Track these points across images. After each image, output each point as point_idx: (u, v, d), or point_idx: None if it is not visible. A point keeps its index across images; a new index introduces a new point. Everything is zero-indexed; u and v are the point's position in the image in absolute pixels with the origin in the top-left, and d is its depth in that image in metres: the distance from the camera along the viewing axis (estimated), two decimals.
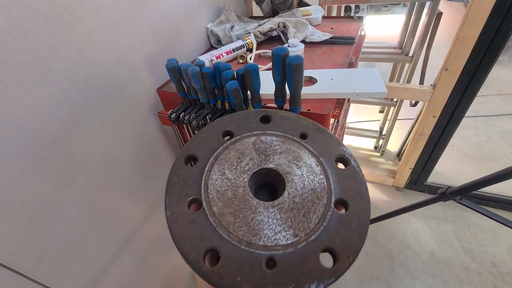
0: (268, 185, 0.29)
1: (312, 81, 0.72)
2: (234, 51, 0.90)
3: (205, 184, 0.26)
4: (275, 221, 0.24)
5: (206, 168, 0.27)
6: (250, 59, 0.89)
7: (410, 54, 1.38)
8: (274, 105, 0.64)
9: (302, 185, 0.25)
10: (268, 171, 0.27)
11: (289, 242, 0.22)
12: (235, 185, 0.26)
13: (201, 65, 0.64)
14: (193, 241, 0.23)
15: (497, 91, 2.16)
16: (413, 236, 1.33)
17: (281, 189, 0.26)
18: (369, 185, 1.62)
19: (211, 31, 0.99)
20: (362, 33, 1.19)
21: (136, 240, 0.86)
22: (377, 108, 2.12)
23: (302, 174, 0.26)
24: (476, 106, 1.97)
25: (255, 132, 0.29)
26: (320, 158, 0.27)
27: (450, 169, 1.59)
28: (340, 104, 0.67)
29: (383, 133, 1.74)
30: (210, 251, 0.22)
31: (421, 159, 1.40)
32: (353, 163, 0.27)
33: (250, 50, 0.92)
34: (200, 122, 0.68)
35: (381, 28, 3.56)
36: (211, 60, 0.85)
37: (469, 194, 1.36)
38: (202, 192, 0.25)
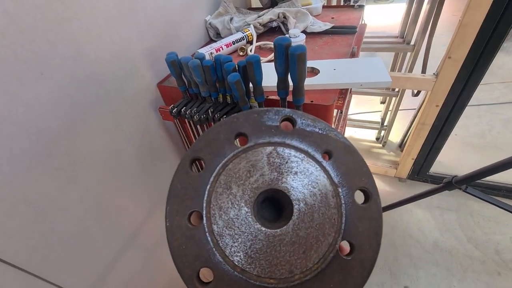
0: (276, 201, 0.26)
1: (314, 72, 0.71)
2: (234, 44, 0.88)
3: (208, 196, 0.24)
4: (273, 252, 0.22)
5: (212, 178, 0.24)
6: (251, 51, 0.87)
7: (412, 43, 1.36)
8: (277, 97, 0.64)
9: (311, 218, 0.23)
10: (278, 191, 0.25)
11: (283, 277, 0.22)
12: (239, 204, 0.24)
13: (202, 58, 0.63)
14: (189, 258, 0.23)
15: (500, 79, 2.14)
16: (416, 226, 1.33)
17: (288, 212, 0.24)
18: None
19: (209, 23, 0.97)
20: (363, 22, 1.18)
21: (142, 235, 0.86)
22: (379, 99, 2.10)
23: (314, 205, 0.24)
24: (479, 94, 1.95)
25: (272, 140, 0.25)
26: (338, 188, 0.24)
27: (453, 159, 1.58)
28: (343, 94, 0.66)
29: (385, 124, 1.73)
30: (204, 267, 0.23)
31: (423, 149, 1.39)
32: (375, 200, 0.25)
33: (250, 42, 0.91)
34: (202, 117, 0.67)
35: (381, 18, 3.51)
36: (211, 53, 0.84)
37: (472, 183, 1.36)
38: (204, 206, 0.24)
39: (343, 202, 0.24)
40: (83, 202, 0.64)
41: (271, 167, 0.25)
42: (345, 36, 0.90)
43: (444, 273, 1.14)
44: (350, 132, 1.92)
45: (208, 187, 0.24)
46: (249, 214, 0.24)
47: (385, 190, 1.54)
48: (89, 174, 0.64)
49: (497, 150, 1.60)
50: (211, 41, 1.00)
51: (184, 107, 0.71)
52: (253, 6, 1.28)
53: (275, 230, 0.23)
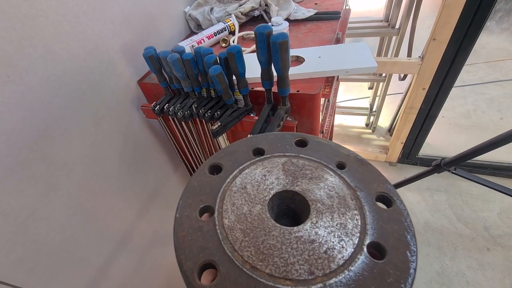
0: (292, 212, 0.26)
1: (299, 60, 0.69)
2: (215, 35, 0.85)
3: (222, 194, 0.24)
4: (289, 249, 0.20)
5: (228, 180, 0.25)
6: (233, 42, 0.84)
7: (397, 26, 1.35)
8: (261, 88, 0.62)
9: (331, 217, 0.22)
10: (293, 194, 0.24)
11: (301, 278, 0.19)
12: (253, 201, 0.24)
13: (181, 51, 0.61)
14: (193, 250, 0.21)
15: (484, 59, 2.16)
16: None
17: (304, 216, 0.23)
18: None
19: (189, 15, 0.93)
20: (347, 7, 1.15)
21: (133, 238, 0.84)
22: (366, 85, 2.10)
23: (332, 205, 0.23)
24: (463, 75, 1.97)
25: (287, 154, 0.28)
26: (357, 192, 0.24)
27: (441, 140, 1.60)
28: (329, 82, 0.65)
29: (374, 109, 1.73)
30: (208, 266, 0.20)
31: (412, 132, 1.40)
32: (399, 204, 0.23)
33: (232, 33, 0.88)
34: (186, 113, 0.65)
35: (366, 2, 3.48)
36: (192, 46, 0.81)
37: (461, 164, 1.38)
38: (218, 201, 0.24)
39: (363, 203, 0.23)
40: (67, 209, 0.61)
41: (286, 173, 0.26)
42: (329, 22, 0.88)
43: (436, 252, 1.17)
44: (340, 120, 1.92)
45: (223, 186, 0.25)
46: (263, 211, 0.23)
47: None
48: (71, 180, 0.61)
49: (482, 129, 1.63)
50: (192, 33, 0.97)
51: (167, 104, 0.69)
52: None
53: (291, 228, 0.22)
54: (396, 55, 1.38)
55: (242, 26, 0.92)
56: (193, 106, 0.65)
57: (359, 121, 1.88)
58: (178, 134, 0.75)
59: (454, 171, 0.64)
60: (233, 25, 0.87)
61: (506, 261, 1.10)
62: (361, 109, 1.82)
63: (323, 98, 0.68)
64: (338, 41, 0.78)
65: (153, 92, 0.77)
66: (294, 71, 0.62)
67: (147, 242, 0.91)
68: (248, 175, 0.25)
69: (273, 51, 0.45)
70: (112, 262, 0.76)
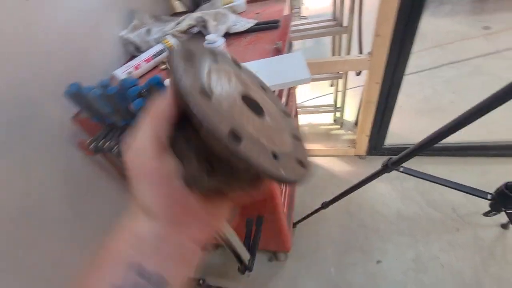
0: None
1: None
2: (154, 57, 0.82)
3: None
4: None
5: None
6: None
7: (345, 24, 1.37)
8: None
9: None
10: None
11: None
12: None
13: (106, 85, 0.57)
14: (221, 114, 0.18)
15: (436, 43, 2.25)
16: (380, 200, 1.37)
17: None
18: (332, 159, 1.65)
19: (126, 39, 0.89)
20: (297, 10, 1.16)
21: None
22: (328, 82, 2.13)
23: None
24: (418, 61, 2.05)
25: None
26: None
27: (405, 128, 1.65)
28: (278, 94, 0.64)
29: (338, 105, 1.76)
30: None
31: (375, 125, 1.43)
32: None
33: None
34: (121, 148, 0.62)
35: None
36: (129, 72, 0.77)
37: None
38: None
39: None
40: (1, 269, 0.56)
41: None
42: (270, 31, 0.87)
43: (408, 240, 1.20)
44: (308, 119, 1.93)
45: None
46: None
47: (346, 170, 1.57)
48: (3, 235, 0.56)
49: (442, 112, 1.69)
50: (132, 57, 0.93)
51: (103, 139, 0.65)
52: (178, 10, 1.21)
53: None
54: (349, 52, 1.41)
55: None
56: None
57: (328, 118, 1.90)
58: (120, 170, 0.72)
59: (401, 171, 0.64)
60: (172, 45, 0.84)
61: (475, 239, 1.14)
62: (326, 106, 1.83)
63: None
64: (279, 51, 0.77)
65: (90, 127, 0.73)
66: None
67: None
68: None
69: None
70: None
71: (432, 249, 1.15)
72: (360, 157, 1.62)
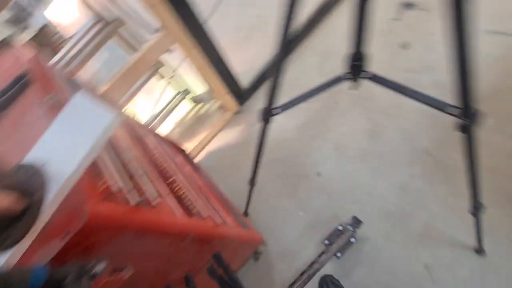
0: None
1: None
2: None
3: None
4: None
5: None
6: None
7: (114, 16, 1.16)
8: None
9: None
10: None
11: None
12: None
13: None
14: None
15: None
16: (282, 135, 1.41)
17: None
18: (221, 134, 1.57)
19: None
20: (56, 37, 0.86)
21: None
22: (155, 81, 1.91)
23: None
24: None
25: None
26: None
27: (247, 60, 1.65)
28: (96, 169, 0.45)
29: (181, 90, 1.63)
30: None
31: (223, 80, 1.37)
32: None
33: None
34: None
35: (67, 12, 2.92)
36: None
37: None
38: None
39: None
40: None
41: None
42: (26, 92, 0.61)
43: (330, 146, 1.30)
44: (173, 119, 1.75)
45: None
46: None
47: (238, 132, 1.53)
48: None
49: (257, 29, 1.78)
50: None
51: None
52: None
53: None
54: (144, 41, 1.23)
55: None
56: None
57: (186, 106, 1.77)
58: None
59: (279, 112, 0.61)
60: None
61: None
62: (174, 98, 1.68)
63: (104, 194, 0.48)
64: (57, 107, 0.54)
65: None
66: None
67: None
68: None
69: None
70: None
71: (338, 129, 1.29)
72: (237, 112, 1.59)
